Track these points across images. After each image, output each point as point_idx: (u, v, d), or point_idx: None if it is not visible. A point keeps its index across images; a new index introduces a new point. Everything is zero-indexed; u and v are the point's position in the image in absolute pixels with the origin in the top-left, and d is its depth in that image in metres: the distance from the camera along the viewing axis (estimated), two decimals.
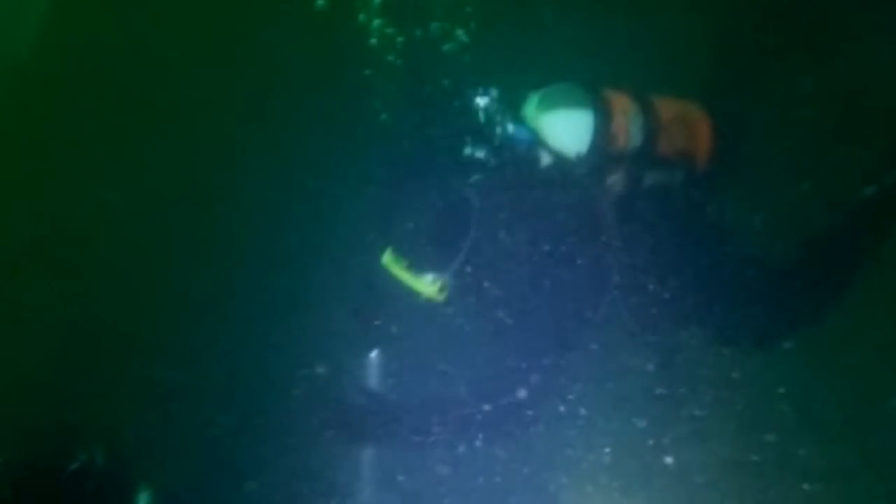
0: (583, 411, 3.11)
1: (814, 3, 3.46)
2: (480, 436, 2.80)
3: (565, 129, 2.80)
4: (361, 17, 3.18)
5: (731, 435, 3.00)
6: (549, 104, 2.84)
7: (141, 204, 4.43)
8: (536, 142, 2.81)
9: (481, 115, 2.78)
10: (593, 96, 2.83)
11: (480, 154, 2.77)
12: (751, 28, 3.58)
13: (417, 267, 2.71)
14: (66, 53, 4.79)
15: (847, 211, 2.98)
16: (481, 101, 2.78)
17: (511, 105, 2.85)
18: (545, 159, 2.81)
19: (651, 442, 3.07)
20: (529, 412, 2.76)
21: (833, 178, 3.11)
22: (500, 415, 2.71)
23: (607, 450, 3.12)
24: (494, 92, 2.80)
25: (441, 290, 2.69)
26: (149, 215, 4.43)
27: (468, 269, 2.70)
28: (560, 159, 2.78)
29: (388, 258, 2.74)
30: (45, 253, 4.45)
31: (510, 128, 2.80)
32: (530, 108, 2.88)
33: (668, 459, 3.03)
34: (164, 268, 4.32)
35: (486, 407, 2.70)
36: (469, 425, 2.73)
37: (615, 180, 2.85)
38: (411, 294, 2.71)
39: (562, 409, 3.02)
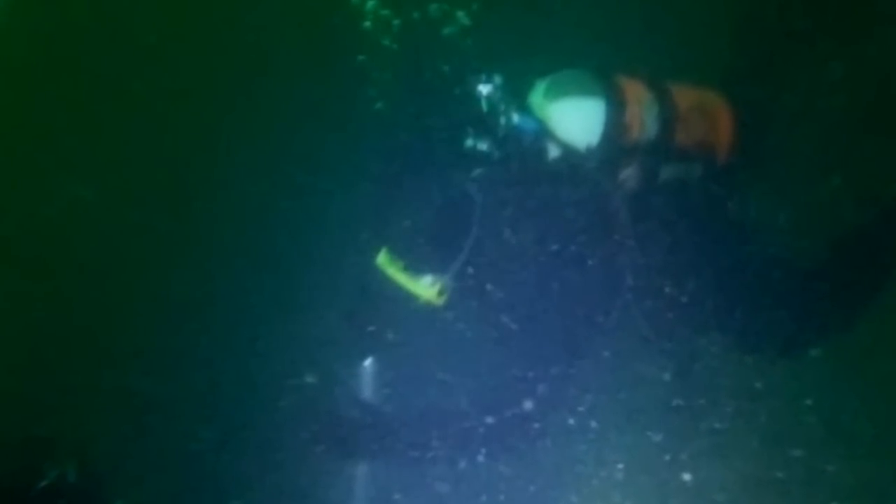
0: (594, 424, 3.11)
1: None
2: (483, 451, 2.81)
3: (575, 119, 2.81)
4: None
5: (753, 450, 3.01)
6: (557, 92, 2.85)
7: (116, 200, 4.44)
8: (543, 133, 2.82)
9: (484, 104, 2.79)
10: (605, 83, 2.84)
11: (483, 146, 2.78)
12: (775, 10, 3.59)
13: (415, 268, 2.72)
14: (35, 37, 4.79)
15: (879, 207, 2.99)
16: (484, 89, 2.79)
17: (516, 93, 2.86)
18: (553, 151, 2.82)
19: (667, 457, 3.08)
20: (536, 425, 2.77)
21: (864, 171, 3.11)
22: (505, 428, 2.73)
23: (620, 466, 3.13)
24: (498, 79, 2.80)
25: (441, 293, 2.70)
26: (125, 213, 4.43)
27: (470, 270, 2.71)
28: (569, 151, 2.79)
29: (383, 259, 2.75)
30: (11, 253, 4.45)
31: (515, 118, 2.81)
32: (537, 97, 2.88)
33: (686, 476, 3.04)
34: (141, 269, 4.33)
35: (490, 419, 2.71)
36: (471, 439, 2.74)
37: (628, 174, 2.86)
38: (408, 297, 2.72)
39: (571, 421, 3.03)
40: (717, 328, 2.93)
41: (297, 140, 4.29)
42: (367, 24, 3.16)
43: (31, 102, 4.66)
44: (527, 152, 2.80)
